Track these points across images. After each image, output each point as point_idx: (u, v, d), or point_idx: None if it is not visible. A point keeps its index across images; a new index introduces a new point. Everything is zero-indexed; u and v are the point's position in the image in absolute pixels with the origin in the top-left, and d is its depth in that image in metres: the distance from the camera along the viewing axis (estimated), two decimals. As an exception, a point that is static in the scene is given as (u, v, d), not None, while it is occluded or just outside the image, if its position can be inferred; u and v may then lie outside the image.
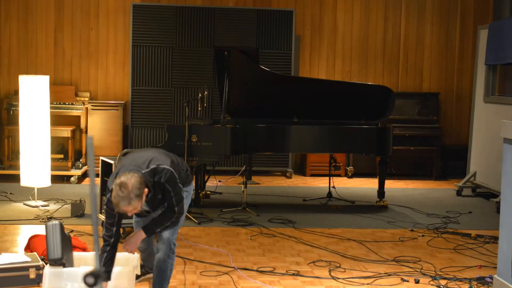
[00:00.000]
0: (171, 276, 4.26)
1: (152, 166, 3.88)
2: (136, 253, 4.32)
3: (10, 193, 7.60)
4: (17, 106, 8.21)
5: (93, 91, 9.64)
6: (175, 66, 9.38)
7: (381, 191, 7.55)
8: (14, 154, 8.77)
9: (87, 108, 9.06)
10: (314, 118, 7.62)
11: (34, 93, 7.06)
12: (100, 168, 6.21)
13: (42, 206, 7.00)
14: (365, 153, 8.36)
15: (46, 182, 7.19)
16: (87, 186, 8.39)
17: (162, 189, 3.93)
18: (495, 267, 4.86)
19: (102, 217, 6.18)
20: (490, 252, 5.72)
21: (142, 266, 4.69)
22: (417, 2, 10.21)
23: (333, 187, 7.96)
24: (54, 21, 9.54)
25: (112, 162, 5.90)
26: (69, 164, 8.68)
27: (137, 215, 4.28)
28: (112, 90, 9.70)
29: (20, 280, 4.46)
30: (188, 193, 4.28)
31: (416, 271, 5.14)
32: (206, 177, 7.75)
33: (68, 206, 6.78)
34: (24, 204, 7.12)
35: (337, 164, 9.06)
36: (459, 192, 8.53)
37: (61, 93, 9.09)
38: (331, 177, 7.98)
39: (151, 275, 4.48)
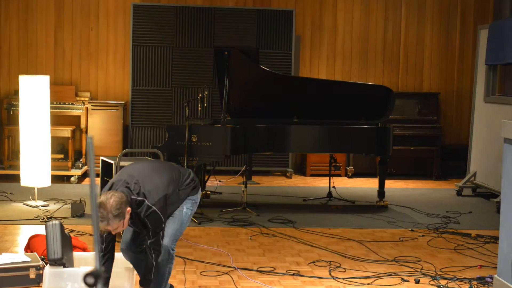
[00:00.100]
0: (169, 278, 4.26)
1: (139, 198, 3.79)
2: None
3: (10, 193, 7.60)
4: (17, 106, 8.21)
5: (93, 91, 9.64)
6: (175, 66, 9.38)
7: (381, 191, 7.55)
8: (14, 154, 8.77)
9: (87, 108, 9.05)
10: (314, 118, 7.62)
11: (34, 93, 7.06)
12: (100, 168, 6.22)
13: (42, 206, 7.00)
14: (365, 153, 8.36)
15: (46, 182, 7.19)
16: (87, 186, 8.39)
17: (141, 222, 3.85)
18: (495, 267, 4.86)
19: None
20: (490, 252, 5.72)
21: None
22: (417, 2, 10.21)
23: (333, 187, 7.96)
24: (54, 21, 9.54)
25: (112, 162, 5.90)
26: (69, 164, 8.68)
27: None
28: (112, 90, 9.70)
29: (20, 280, 4.46)
30: (194, 202, 4.23)
31: (416, 271, 5.14)
32: (206, 177, 7.75)
33: (68, 206, 6.78)
34: (24, 204, 7.12)
35: (337, 164, 9.05)
36: (459, 192, 8.53)
37: (61, 93, 9.09)
38: (331, 177, 7.98)
39: None
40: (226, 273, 4.96)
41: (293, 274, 5.00)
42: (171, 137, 6.82)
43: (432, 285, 4.82)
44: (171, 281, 4.42)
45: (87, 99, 9.27)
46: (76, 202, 6.71)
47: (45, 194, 7.49)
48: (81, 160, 9.07)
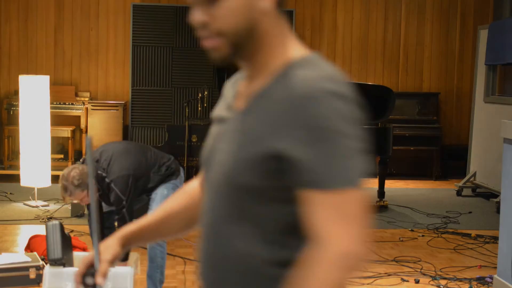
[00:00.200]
0: (164, 266, 4.20)
1: (102, 174, 3.99)
2: (135, 253, 4.31)
3: (10, 193, 7.60)
4: (17, 106, 8.21)
5: (93, 91, 9.64)
6: (175, 66, 9.38)
7: (381, 191, 7.54)
8: (14, 154, 8.77)
9: (87, 108, 9.06)
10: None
11: (34, 93, 7.06)
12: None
13: (42, 206, 7.00)
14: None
15: (46, 182, 7.19)
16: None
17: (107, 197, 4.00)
18: (495, 267, 4.86)
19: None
20: (490, 252, 5.72)
21: None
22: (417, 2, 10.21)
23: (333, 187, 7.94)
24: (54, 21, 9.54)
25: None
26: (69, 164, 8.67)
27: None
28: (112, 90, 9.70)
29: (20, 280, 4.46)
30: (175, 186, 4.20)
31: (416, 271, 5.14)
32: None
33: (68, 206, 6.78)
34: (24, 204, 7.12)
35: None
36: (459, 192, 8.53)
37: (61, 93, 9.09)
38: (331, 177, 7.96)
39: None
40: (226, 273, 4.95)
41: (293, 274, 4.99)
42: (171, 137, 6.83)
43: (432, 285, 4.82)
44: (171, 281, 4.42)
45: (87, 99, 9.28)
46: (76, 202, 6.70)
47: (45, 194, 7.49)
48: (81, 160, 9.06)
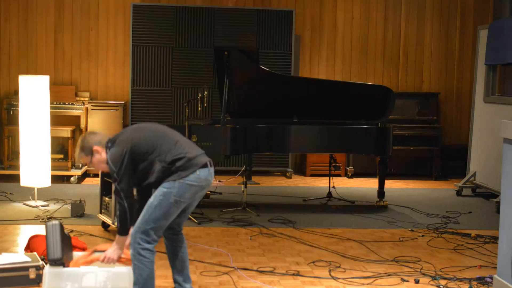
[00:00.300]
0: (145, 285, 3.91)
1: (108, 143, 4.09)
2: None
3: (10, 193, 7.60)
4: (17, 106, 8.21)
5: (93, 91, 9.64)
6: (175, 66, 9.38)
7: (381, 191, 7.54)
8: (14, 154, 8.77)
9: (87, 108, 9.06)
10: (314, 118, 7.62)
11: (34, 93, 7.06)
12: (100, 168, 6.21)
13: (42, 206, 7.00)
14: (365, 153, 8.36)
15: (46, 182, 7.19)
16: (87, 186, 8.39)
17: None
18: (495, 267, 4.86)
19: (102, 217, 6.18)
20: (490, 252, 5.72)
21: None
22: (417, 2, 10.21)
23: (333, 187, 7.96)
24: (54, 21, 9.54)
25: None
26: (69, 164, 8.68)
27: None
28: (112, 90, 9.70)
29: (20, 280, 4.46)
30: (189, 185, 3.95)
31: (416, 271, 5.14)
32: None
33: (68, 206, 6.78)
34: (24, 204, 7.12)
35: (337, 164, 9.07)
36: (459, 192, 8.53)
37: (61, 93, 9.09)
38: (331, 177, 7.98)
39: None
40: (226, 273, 4.96)
41: (293, 274, 5.00)
42: (171, 137, 6.82)
43: (432, 285, 4.82)
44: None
45: (87, 99, 9.28)
46: (76, 202, 6.71)
47: (45, 194, 7.49)
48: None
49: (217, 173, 9.01)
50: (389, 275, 5.01)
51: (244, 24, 9.45)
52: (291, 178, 9.57)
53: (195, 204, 4.21)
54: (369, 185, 9.06)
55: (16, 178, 7.77)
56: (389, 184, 8.88)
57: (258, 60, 7.35)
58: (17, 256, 4.73)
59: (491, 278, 4.80)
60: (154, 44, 9.33)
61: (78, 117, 9.08)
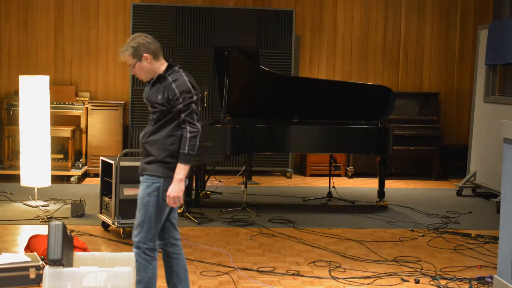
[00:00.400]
0: (149, 283, 3.85)
1: (171, 63, 3.92)
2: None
3: (10, 193, 7.60)
4: (17, 106, 8.21)
5: (93, 91, 9.64)
6: (175, 66, 9.36)
7: (381, 191, 7.54)
8: (14, 154, 8.77)
9: (87, 108, 9.06)
10: (314, 118, 7.62)
11: (34, 93, 7.06)
12: (100, 168, 6.21)
13: (42, 206, 7.00)
14: (365, 153, 8.36)
15: (46, 182, 7.19)
16: (87, 186, 8.39)
17: (166, 88, 3.79)
18: (495, 267, 4.86)
19: (102, 217, 6.18)
20: (490, 252, 5.72)
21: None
22: (417, 2, 10.21)
23: (333, 187, 7.96)
24: (54, 21, 9.54)
25: (112, 162, 5.90)
26: (69, 164, 8.68)
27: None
28: (112, 90, 9.70)
29: (20, 280, 4.46)
30: (158, 186, 3.79)
31: (416, 271, 5.14)
32: (206, 177, 7.75)
33: (68, 206, 6.78)
34: (24, 204, 7.12)
35: (337, 164, 9.05)
36: (459, 192, 8.53)
37: (61, 93, 9.09)
38: (331, 177, 7.98)
39: None
40: (226, 273, 4.96)
41: (293, 274, 5.00)
42: (171, 137, 6.82)
43: (432, 285, 4.82)
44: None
45: (87, 99, 9.28)
46: (76, 202, 6.71)
47: (45, 194, 7.49)
48: (81, 160, 9.07)
49: (217, 173, 9.08)
50: (389, 275, 5.01)
51: (244, 24, 9.45)
52: (291, 178, 9.57)
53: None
54: (369, 185, 9.06)
55: (16, 178, 7.77)
56: (389, 184, 8.87)
57: (258, 60, 7.35)
58: (17, 256, 4.73)
59: (491, 278, 4.80)
60: (154, 44, 9.31)
61: (78, 117, 9.08)
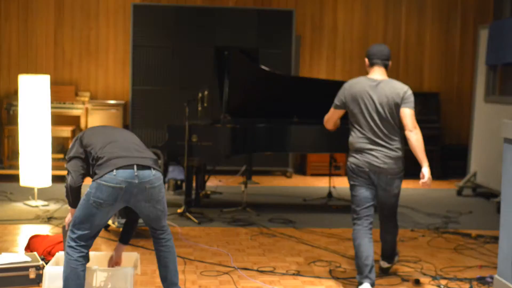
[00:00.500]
0: (66, 283, 3.78)
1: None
2: (135, 253, 4.29)
3: (10, 193, 7.60)
4: (17, 106, 8.21)
5: (93, 91, 9.64)
6: (175, 66, 9.37)
7: (381, 191, 7.53)
8: (14, 154, 8.77)
9: (87, 108, 9.06)
10: (315, 118, 7.60)
11: (34, 93, 7.06)
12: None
13: (42, 206, 7.00)
14: (365, 153, 8.33)
15: (46, 182, 7.18)
16: (87, 186, 8.37)
17: None
18: (496, 267, 4.86)
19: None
20: (491, 252, 5.72)
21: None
22: (417, 2, 10.21)
23: (333, 187, 7.96)
24: (54, 21, 9.54)
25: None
26: (69, 164, 8.67)
27: None
28: (112, 90, 9.70)
29: (20, 280, 4.46)
30: (104, 186, 3.90)
31: (416, 271, 5.14)
32: (206, 177, 7.75)
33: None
34: (24, 204, 7.12)
35: (337, 164, 9.06)
36: (459, 192, 8.53)
37: (61, 93, 9.09)
38: (331, 177, 7.98)
39: None
40: (226, 273, 4.96)
41: (293, 274, 4.99)
42: (171, 137, 6.82)
43: (432, 285, 4.82)
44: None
45: (87, 99, 9.28)
46: (76, 202, 6.70)
47: (45, 194, 7.49)
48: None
49: (217, 173, 9.08)
50: (389, 275, 5.00)
51: (244, 24, 9.44)
52: (291, 178, 9.57)
53: (147, 206, 3.89)
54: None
55: (16, 178, 7.76)
56: (389, 184, 8.86)
57: (258, 60, 7.34)
58: (17, 256, 4.73)
59: (492, 278, 4.79)
60: (154, 44, 9.33)
61: (78, 117, 9.08)
